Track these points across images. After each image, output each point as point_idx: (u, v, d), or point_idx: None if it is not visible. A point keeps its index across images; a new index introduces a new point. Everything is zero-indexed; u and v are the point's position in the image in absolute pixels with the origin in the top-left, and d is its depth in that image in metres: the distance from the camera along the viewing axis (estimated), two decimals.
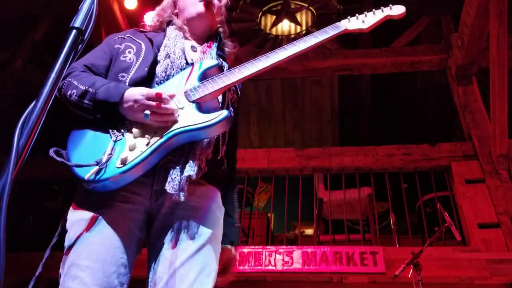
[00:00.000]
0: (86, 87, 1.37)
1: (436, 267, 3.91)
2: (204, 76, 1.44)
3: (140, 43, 1.59)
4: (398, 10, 1.60)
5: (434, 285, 4.02)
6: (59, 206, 5.94)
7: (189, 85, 1.42)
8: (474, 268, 3.89)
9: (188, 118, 1.32)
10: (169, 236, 1.34)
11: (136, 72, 1.48)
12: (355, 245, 4.48)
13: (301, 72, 5.97)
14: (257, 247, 4.31)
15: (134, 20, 5.38)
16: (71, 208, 1.39)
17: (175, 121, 1.32)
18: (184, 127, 1.30)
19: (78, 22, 0.94)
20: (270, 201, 6.30)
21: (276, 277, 4.23)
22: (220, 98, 1.50)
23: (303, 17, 6.32)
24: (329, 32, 1.50)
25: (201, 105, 1.37)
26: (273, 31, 6.32)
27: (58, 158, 1.25)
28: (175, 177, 1.30)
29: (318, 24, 6.13)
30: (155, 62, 1.52)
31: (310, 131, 8.30)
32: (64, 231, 1.35)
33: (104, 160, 1.25)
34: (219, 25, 1.79)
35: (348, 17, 1.57)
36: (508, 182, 4.41)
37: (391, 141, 5.33)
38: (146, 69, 1.49)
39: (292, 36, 6.19)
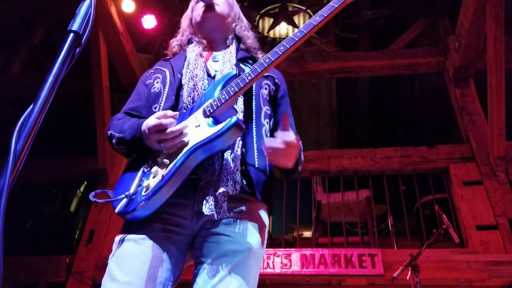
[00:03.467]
0: (119, 134, 1.48)
1: (434, 269, 3.91)
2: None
3: (165, 71, 1.65)
4: None
5: (432, 287, 4.03)
6: (57, 210, 5.93)
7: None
8: (472, 270, 3.90)
9: (201, 133, 1.34)
10: (209, 251, 1.36)
11: (166, 102, 1.53)
12: (353, 248, 4.47)
13: (299, 75, 5.98)
14: None
15: (131, 23, 5.38)
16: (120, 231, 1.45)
17: (189, 140, 1.35)
18: (196, 143, 1.33)
19: (75, 25, 0.94)
20: None
21: (275, 280, 4.22)
22: (240, 104, 1.49)
23: (301, 20, 6.33)
24: (333, 6, 1.41)
25: (217, 118, 1.37)
26: (271, 34, 6.33)
27: (97, 200, 1.36)
28: (209, 198, 1.33)
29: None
30: (180, 87, 1.56)
31: (308, 134, 8.29)
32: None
33: (131, 191, 1.34)
34: (235, 23, 1.78)
35: None
36: (506, 184, 4.43)
37: (389, 143, 5.33)
38: (173, 97, 1.54)
39: None
